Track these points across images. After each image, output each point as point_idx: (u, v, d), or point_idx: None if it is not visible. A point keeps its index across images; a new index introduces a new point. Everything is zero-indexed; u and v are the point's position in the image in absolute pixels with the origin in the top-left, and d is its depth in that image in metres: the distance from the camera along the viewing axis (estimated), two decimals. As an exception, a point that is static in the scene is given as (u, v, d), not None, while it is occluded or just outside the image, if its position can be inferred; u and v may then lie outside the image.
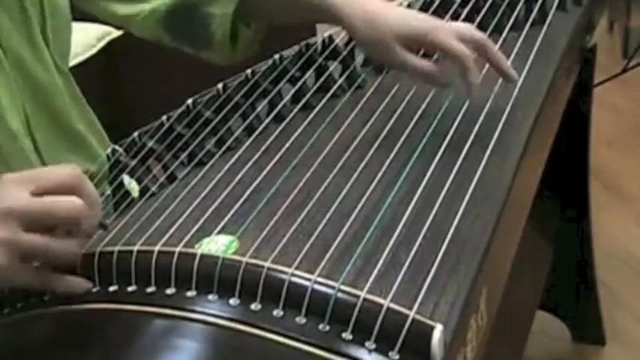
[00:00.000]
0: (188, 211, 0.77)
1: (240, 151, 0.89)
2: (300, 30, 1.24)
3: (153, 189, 0.86)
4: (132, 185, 0.87)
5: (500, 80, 0.96)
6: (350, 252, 0.69)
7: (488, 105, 0.92)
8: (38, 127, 0.99)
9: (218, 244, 0.70)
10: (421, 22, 0.97)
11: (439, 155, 0.83)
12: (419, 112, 0.91)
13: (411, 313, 0.62)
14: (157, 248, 0.69)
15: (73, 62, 1.24)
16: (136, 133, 0.97)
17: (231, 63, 1.11)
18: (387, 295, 0.64)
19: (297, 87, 1.00)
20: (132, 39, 1.21)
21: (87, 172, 0.86)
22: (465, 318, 0.67)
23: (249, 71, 1.04)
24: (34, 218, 0.69)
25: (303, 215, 0.74)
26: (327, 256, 0.68)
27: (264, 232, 0.72)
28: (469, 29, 0.96)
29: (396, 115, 0.92)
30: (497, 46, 1.06)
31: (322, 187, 0.79)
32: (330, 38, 1.08)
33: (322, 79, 1.01)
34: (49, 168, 0.79)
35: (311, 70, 1.03)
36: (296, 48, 1.08)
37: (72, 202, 0.69)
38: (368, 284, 0.64)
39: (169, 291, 0.66)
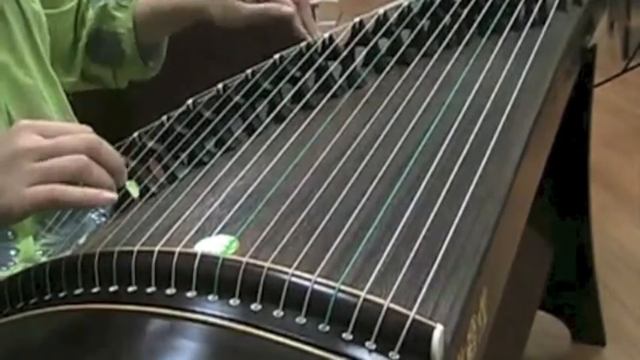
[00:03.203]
0: (188, 212, 0.77)
1: (240, 152, 0.89)
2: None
3: (153, 189, 0.86)
4: (132, 186, 0.88)
5: (500, 81, 0.97)
6: (350, 252, 0.69)
7: (488, 105, 0.92)
8: None
9: (218, 245, 0.70)
10: None
11: (439, 155, 0.83)
12: (419, 112, 0.91)
13: (411, 314, 0.62)
14: (157, 248, 0.69)
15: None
16: (136, 134, 0.97)
17: (146, 77, 1.27)
18: (387, 295, 0.64)
19: (297, 87, 1.00)
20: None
21: None
22: (465, 318, 0.67)
23: (249, 71, 1.04)
24: (50, 152, 0.76)
25: (303, 215, 0.74)
26: (328, 256, 0.68)
27: (265, 233, 0.72)
28: None
29: (396, 115, 0.92)
30: (498, 47, 1.06)
31: (322, 187, 0.79)
32: (330, 38, 1.08)
33: (322, 79, 1.01)
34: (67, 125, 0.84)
35: (311, 71, 1.03)
36: (296, 48, 1.08)
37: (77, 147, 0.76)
38: (368, 284, 0.64)
39: (169, 291, 0.66)
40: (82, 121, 1.11)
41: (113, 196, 0.77)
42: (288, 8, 1.15)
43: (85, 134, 0.79)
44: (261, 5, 1.15)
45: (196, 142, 0.92)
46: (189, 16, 1.20)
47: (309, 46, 1.08)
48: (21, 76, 1.01)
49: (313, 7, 1.22)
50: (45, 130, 0.78)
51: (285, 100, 0.98)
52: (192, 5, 1.19)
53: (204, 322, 0.64)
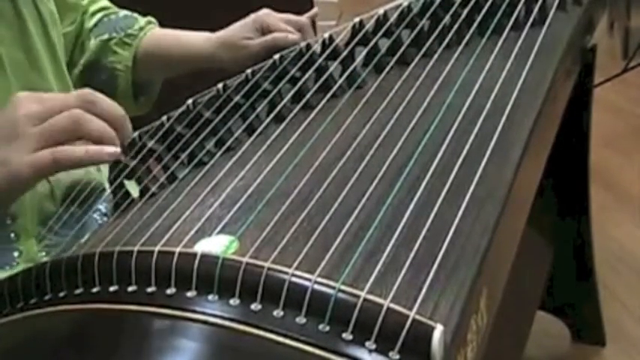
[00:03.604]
0: (188, 212, 0.77)
1: (240, 152, 0.89)
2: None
3: (153, 189, 0.86)
4: (132, 186, 0.88)
5: (500, 81, 0.97)
6: (350, 252, 0.69)
7: (488, 105, 0.92)
8: None
9: (218, 245, 0.70)
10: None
11: (440, 155, 0.83)
12: (419, 113, 0.91)
13: (411, 314, 0.62)
14: (157, 248, 0.69)
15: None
16: (136, 134, 0.97)
17: (134, 114, 1.24)
18: (387, 295, 0.64)
19: (297, 87, 1.00)
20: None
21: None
22: (465, 318, 0.67)
23: (249, 71, 1.04)
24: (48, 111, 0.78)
25: (303, 215, 0.74)
26: (328, 256, 0.68)
27: (265, 233, 0.72)
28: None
29: (396, 116, 0.92)
30: (498, 47, 1.06)
31: (322, 188, 0.79)
32: (330, 38, 1.08)
33: (322, 79, 1.01)
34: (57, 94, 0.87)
35: (311, 71, 1.03)
36: (296, 48, 1.08)
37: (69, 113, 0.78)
38: (368, 284, 0.64)
39: (169, 291, 0.66)
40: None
41: (116, 149, 0.78)
42: (294, 36, 1.16)
43: (79, 90, 0.80)
44: (269, 37, 1.17)
45: (196, 142, 0.92)
46: (198, 65, 1.22)
47: (309, 47, 1.08)
48: (36, 77, 1.01)
49: (314, 22, 1.23)
50: (42, 97, 0.80)
51: (285, 100, 0.98)
52: (202, 54, 1.21)
53: (204, 322, 0.64)
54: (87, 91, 0.81)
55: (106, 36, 1.21)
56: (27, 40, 1.01)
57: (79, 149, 0.76)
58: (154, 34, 1.24)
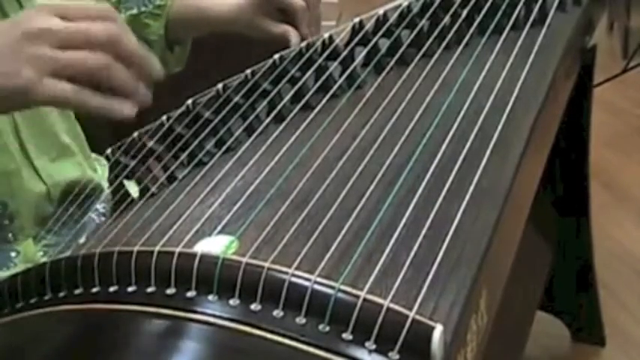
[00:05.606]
0: (188, 212, 0.77)
1: (240, 152, 0.89)
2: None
3: (153, 189, 0.86)
4: (132, 186, 0.88)
5: (500, 81, 0.97)
6: (350, 252, 0.69)
7: (488, 105, 0.92)
8: (27, 136, 0.99)
9: (218, 245, 0.70)
10: None
11: (439, 155, 0.83)
12: (419, 113, 0.91)
13: (411, 314, 0.62)
14: (156, 249, 0.69)
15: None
16: (135, 134, 0.97)
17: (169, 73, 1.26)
18: (387, 295, 0.64)
19: (297, 87, 1.00)
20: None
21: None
22: (465, 318, 0.67)
23: (249, 71, 1.04)
24: (70, 38, 0.70)
25: (303, 215, 0.74)
26: (328, 256, 0.68)
27: (264, 233, 0.72)
28: None
29: (396, 115, 0.92)
30: (498, 47, 1.06)
31: (322, 188, 0.79)
32: (330, 38, 1.08)
33: (322, 79, 1.01)
34: (90, 8, 0.76)
35: (311, 71, 1.03)
36: (296, 48, 1.08)
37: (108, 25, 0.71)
38: (368, 284, 0.64)
39: (169, 291, 0.66)
40: (83, 123, 1.11)
41: (132, 111, 0.73)
42: (297, 39, 1.15)
43: (108, 23, 0.72)
44: (282, 29, 1.16)
45: (196, 143, 0.92)
46: (219, 29, 1.22)
47: (309, 46, 1.08)
48: None
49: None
50: (65, 12, 0.72)
51: (285, 101, 0.98)
52: (223, 18, 1.20)
53: (204, 322, 0.64)
54: (117, 31, 0.72)
55: (135, 10, 1.22)
56: None
57: (99, 99, 0.71)
58: (180, 2, 1.24)
